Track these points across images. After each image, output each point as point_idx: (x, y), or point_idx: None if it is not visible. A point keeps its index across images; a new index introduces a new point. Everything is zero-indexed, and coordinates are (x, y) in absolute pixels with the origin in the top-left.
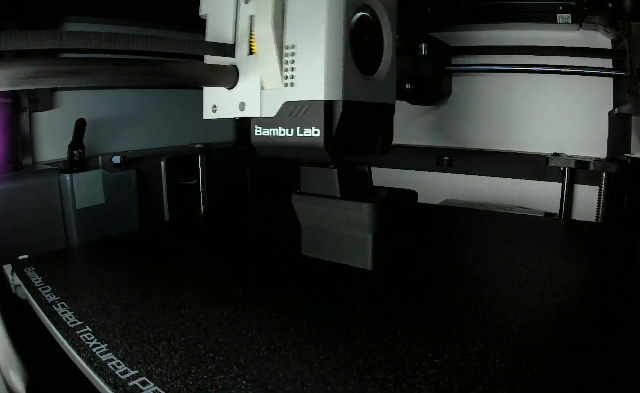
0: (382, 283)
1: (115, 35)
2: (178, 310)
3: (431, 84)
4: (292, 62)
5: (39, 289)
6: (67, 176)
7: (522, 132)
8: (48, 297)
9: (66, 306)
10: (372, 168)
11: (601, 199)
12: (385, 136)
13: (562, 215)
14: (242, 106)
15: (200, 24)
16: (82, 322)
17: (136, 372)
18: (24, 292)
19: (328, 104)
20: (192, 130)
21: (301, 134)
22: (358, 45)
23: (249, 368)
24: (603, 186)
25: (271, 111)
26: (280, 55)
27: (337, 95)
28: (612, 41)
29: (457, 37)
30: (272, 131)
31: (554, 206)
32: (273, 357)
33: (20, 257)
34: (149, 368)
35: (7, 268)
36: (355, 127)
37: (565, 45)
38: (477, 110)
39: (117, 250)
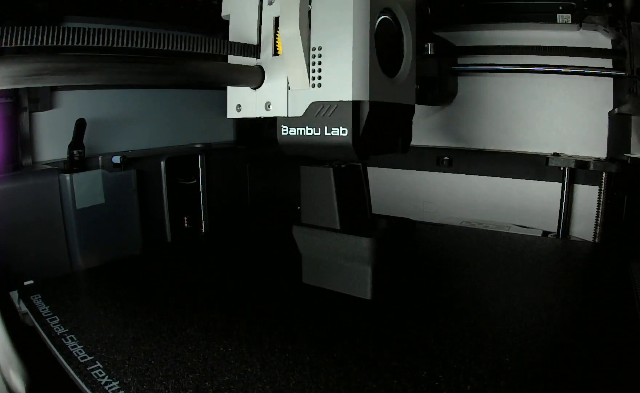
0: (380, 313)
1: (137, 33)
2: (184, 346)
3: (437, 84)
4: (319, 63)
5: (47, 320)
6: (67, 176)
7: (522, 132)
8: (57, 329)
9: (75, 339)
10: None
11: (601, 200)
12: (405, 135)
13: (561, 215)
14: (267, 105)
15: (200, 23)
16: (92, 357)
17: None
18: (31, 320)
19: (355, 105)
20: (192, 130)
21: (329, 134)
22: (381, 48)
23: None
24: (603, 186)
25: (298, 111)
26: (307, 56)
27: (364, 96)
28: (612, 41)
29: (457, 37)
30: (299, 131)
31: (553, 207)
32: None
33: (25, 283)
34: None
35: (14, 295)
36: (379, 126)
37: (565, 45)
38: (476, 110)
39: (121, 277)
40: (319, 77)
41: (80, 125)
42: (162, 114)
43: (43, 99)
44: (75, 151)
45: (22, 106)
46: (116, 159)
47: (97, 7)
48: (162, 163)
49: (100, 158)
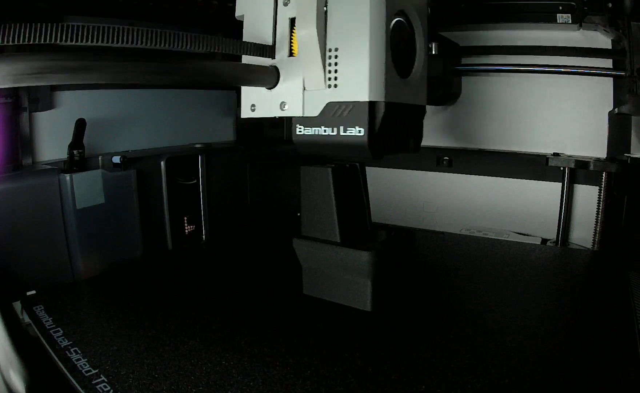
0: (380, 325)
1: (154, 33)
2: (187, 359)
3: (441, 84)
4: (335, 64)
5: (51, 332)
6: (67, 176)
7: (522, 132)
8: (61, 341)
9: (79, 352)
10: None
11: (601, 199)
12: (417, 135)
13: (561, 219)
14: (282, 105)
15: (200, 23)
16: (96, 371)
17: None
18: (34, 331)
19: (371, 105)
20: (192, 130)
21: (345, 133)
22: (395, 50)
23: None
24: (603, 186)
25: (314, 111)
26: (324, 58)
27: (379, 97)
28: (612, 41)
29: (457, 37)
30: (315, 130)
31: (553, 208)
32: None
33: (28, 293)
34: None
35: (17, 305)
36: (393, 126)
37: (565, 45)
38: (476, 110)
39: (122, 287)
40: (335, 78)
41: (80, 125)
42: (162, 114)
43: (43, 99)
44: (75, 151)
45: (22, 105)
46: (116, 159)
47: (96, 7)
48: (162, 163)
49: (100, 158)
